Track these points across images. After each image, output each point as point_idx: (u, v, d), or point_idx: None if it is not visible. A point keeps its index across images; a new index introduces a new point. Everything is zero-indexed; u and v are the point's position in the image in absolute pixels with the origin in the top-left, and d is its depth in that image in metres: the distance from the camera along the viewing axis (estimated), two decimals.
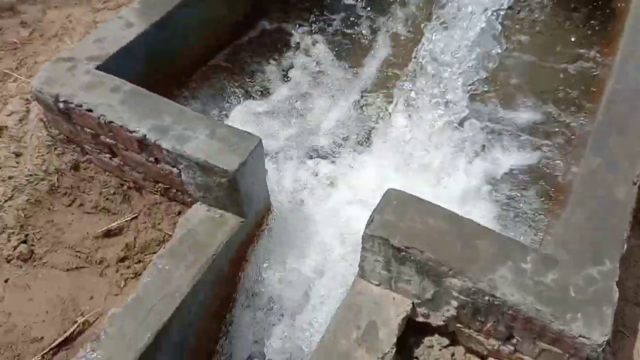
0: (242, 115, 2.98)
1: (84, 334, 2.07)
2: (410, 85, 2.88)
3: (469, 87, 2.71)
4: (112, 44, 2.44)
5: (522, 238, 2.43)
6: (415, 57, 2.76)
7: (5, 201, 2.38)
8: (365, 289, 1.96)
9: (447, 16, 2.58)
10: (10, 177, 2.46)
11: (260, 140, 2.06)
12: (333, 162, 2.86)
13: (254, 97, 3.13)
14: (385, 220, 1.82)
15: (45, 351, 2.02)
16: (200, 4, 2.85)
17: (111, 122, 2.13)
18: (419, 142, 2.80)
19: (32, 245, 2.27)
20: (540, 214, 2.53)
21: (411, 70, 2.84)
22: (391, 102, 3.02)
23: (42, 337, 2.05)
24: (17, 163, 2.52)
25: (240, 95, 3.12)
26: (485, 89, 3.02)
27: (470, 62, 2.60)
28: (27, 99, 2.74)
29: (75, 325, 2.07)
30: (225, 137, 2.06)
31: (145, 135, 2.08)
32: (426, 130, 2.80)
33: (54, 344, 2.03)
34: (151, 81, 2.38)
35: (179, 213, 2.33)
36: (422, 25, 2.83)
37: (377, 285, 1.96)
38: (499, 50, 2.65)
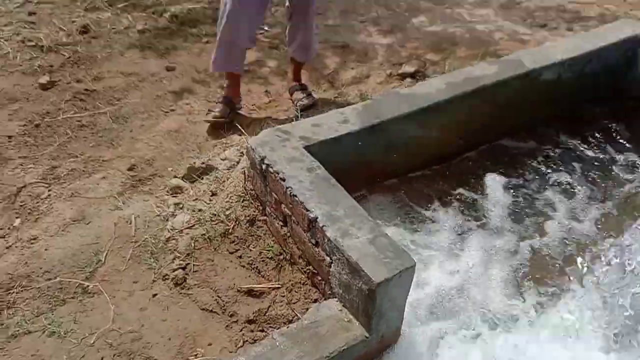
0: None
1: None
2: None
3: None
4: (324, 131, 2.66)
5: None
6: None
7: (187, 228, 2.68)
8: None
9: None
10: (200, 210, 2.77)
11: (414, 264, 1.99)
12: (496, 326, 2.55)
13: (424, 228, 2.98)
14: None
15: None
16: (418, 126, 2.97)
17: (295, 195, 2.28)
18: None
19: (187, 274, 2.49)
20: None
21: None
22: None
23: (156, 359, 2.19)
24: (210, 201, 2.84)
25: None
26: None
27: None
28: (242, 153, 3.10)
29: None
30: (384, 247, 2.05)
31: (316, 218, 2.18)
32: None
33: None
34: (345, 173, 2.50)
35: (315, 301, 2.35)
36: None
37: None
38: None
